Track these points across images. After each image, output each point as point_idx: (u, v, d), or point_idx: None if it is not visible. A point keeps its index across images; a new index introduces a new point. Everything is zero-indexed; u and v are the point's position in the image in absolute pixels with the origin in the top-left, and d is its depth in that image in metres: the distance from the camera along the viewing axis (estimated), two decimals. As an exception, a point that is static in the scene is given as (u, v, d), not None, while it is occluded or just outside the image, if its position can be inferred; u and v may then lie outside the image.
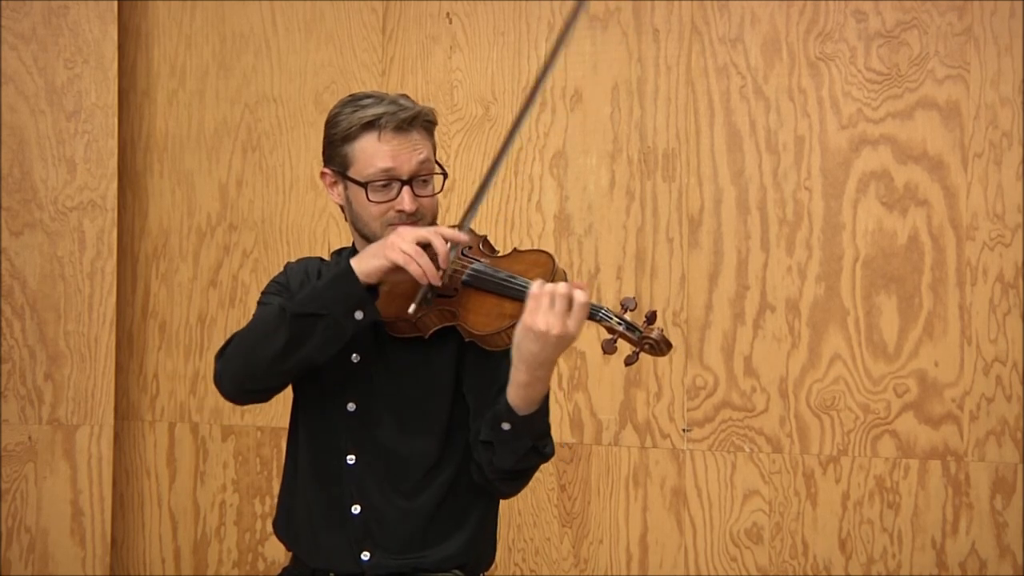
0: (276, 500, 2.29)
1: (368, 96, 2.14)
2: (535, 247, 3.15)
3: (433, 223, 2.17)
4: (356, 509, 2.12)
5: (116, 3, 3.40)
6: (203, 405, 3.45)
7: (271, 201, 3.45)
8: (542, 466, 2.15)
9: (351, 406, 2.13)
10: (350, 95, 2.18)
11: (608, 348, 1.99)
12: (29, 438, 3.33)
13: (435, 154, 2.16)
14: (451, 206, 3.21)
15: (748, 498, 3.10)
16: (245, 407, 3.36)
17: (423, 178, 2.12)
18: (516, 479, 2.10)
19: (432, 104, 2.99)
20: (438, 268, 1.99)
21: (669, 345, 1.98)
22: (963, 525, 2.97)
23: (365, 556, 2.11)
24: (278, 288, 2.24)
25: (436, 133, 2.19)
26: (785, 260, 3.09)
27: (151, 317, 3.50)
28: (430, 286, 2.00)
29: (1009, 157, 2.96)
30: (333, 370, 2.11)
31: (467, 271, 2.07)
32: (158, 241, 3.50)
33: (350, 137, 2.11)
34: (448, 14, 3.34)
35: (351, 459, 2.13)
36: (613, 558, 3.19)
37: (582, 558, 3.21)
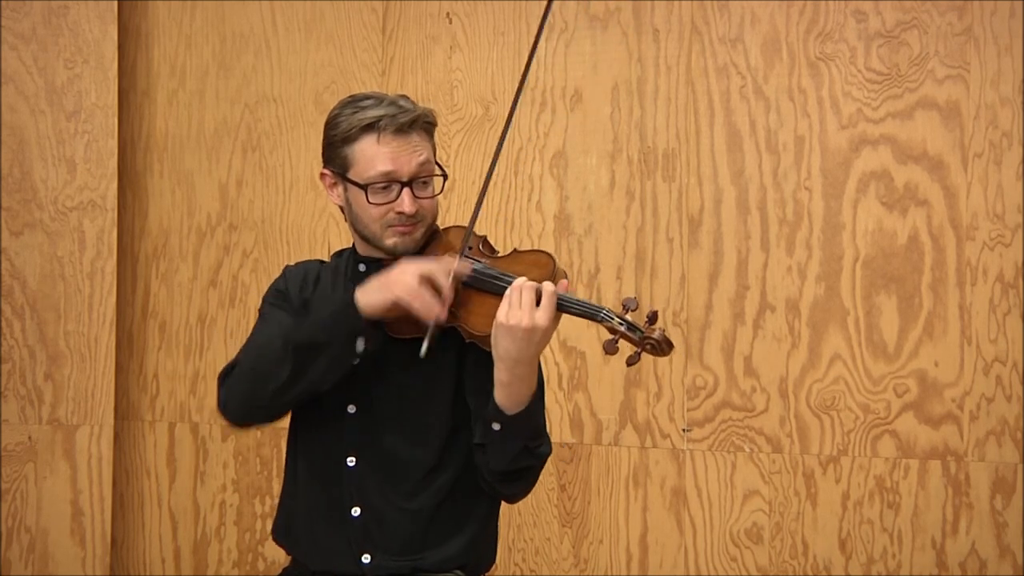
0: (276, 503, 2.28)
1: (368, 97, 2.14)
2: (535, 247, 3.16)
3: (433, 224, 2.18)
4: (356, 511, 2.12)
5: (116, 3, 3.39)
6: (203, 405, 3.45)
7: (271, 201, 3.45)
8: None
9: (351, 408, 2.13)
10: (350, 96, 2.17)
11: (610, 349, 1.99)
12: (29, 438, 3.33)
13: (435, 155, 2.16)
14: (451, 206, 3.21)
15: (748, 498, 3.11)
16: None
17: (423, 180, 2.12)
18: (513, 480, 2.10)
19: (432, 104, 3.00)
20: (443, 304, 1.98)
21: (671, 345, 1.98)
22: (963, 525, 2.97)
23: (365, 558, 2.11)
24: (277, 296, 2.23)
25: (436, 133, 2.19)
26: (785, 260, 3.09)
27: (151, 317, 3.50)
28: (436, 324, 1.99)
29: (1009, 157, 2.96)
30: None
31: (467, 272, 2.07)
32: (158, 241, 3.50)
33: (350, 139, 2.10)
34: (448, 14, 3.34)
35: (351, 461, 2.13)
36: (613, 558, 3.19)
37: (582, 558, 3.21)
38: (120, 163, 3.44)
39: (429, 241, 2.17)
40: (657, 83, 3.18)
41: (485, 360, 2.06)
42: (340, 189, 2.16)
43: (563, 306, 2.00)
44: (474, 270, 2.07)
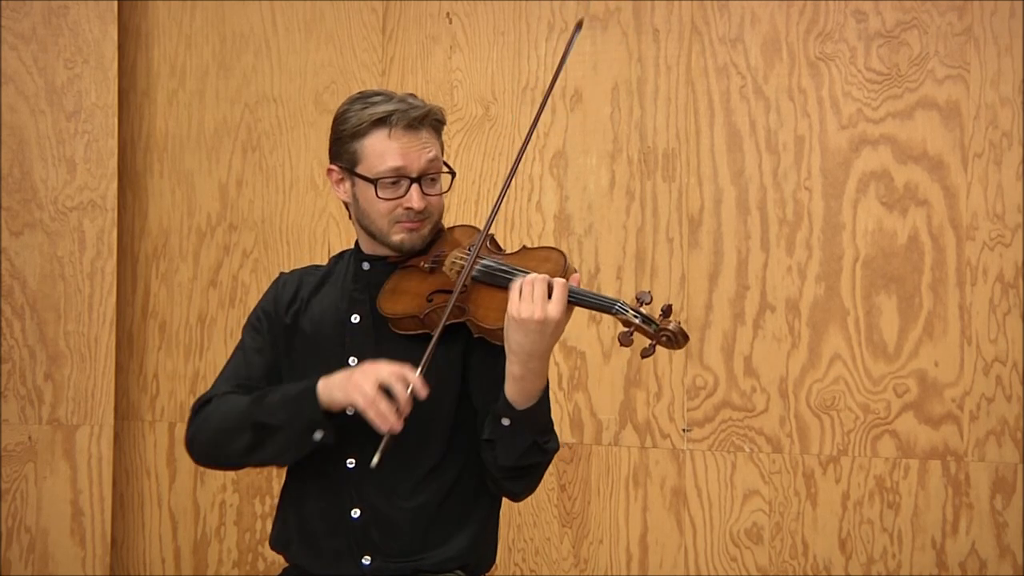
0: (276, 503, 2.28)
1: (377, 94, 2.15)
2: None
3: (439, 222, 2.18)
4: (356, 513, 2.12)
5: (116, 3, 3.39)
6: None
7: (271, 201, 3.45)
8: (542, 466, 2.16)
9: (350, 410, 2.13)
10: (359, 92, 2.18)
11: (625, 340, 1.98)
12: (29, 438, 3.33)
13: (442, 153, 2.17)
14: (450, 206, 3.21)
15: (748, 498, 3.10)
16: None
17: (431, 177, 2.13)
18: (521, 477, 2.09)
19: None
20: (399, 414, 1.95)
21: (686, 337, 1.98)
22: (963, 525, 2.97)
23: (366, 560, 2.10)
24: (260, 320, 2.25)
25: (437, 132, 2.20)
26: (785, 260, 3.09)
27: (151, 317, 3.50)
28: (390, 434, 1.95)
29: (1009, 157, 2.96)
30: (330, 374, 2.11)
31: (477, 268, 2.07)
32: (158, 241, 3.50)
33: (359, 133, 2.11)
34: (448, 14, 3.34)
35: (351, 463, 2.12)
36: (613, 558, 3.19)
37: (582, 558, 3.21)
38: (120, 163, 3.44)
39: (435, 239, 2.17)
40: (657, 83, 3.18)
41: (491, 358, 2.06)
42: (347, 185, 2.17)
43: (577, 299, 2.00)
44: (484, 265, 2.06)
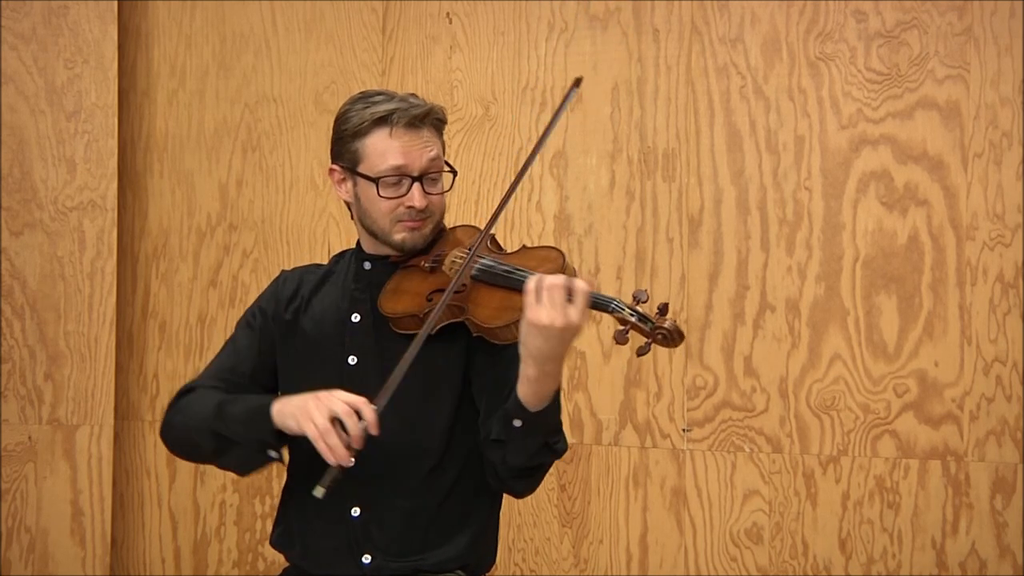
0: (277, 503, 2.28)
1: (379, 93, 2.15)
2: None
3: (441, 221, 2.18)
4: (356, 511, 2.12)
5: (116, 3, 3.39)
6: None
7: (271, 201, 3.45)
8: (543, 466, 2.16)
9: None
10: (360, 92, 2.18)
11: (620, 339, 1.98)
12: (29, 438, 3.33)
13: (444, 153, 2.17)
14: (450, 206, 3.19)
15: (748, 498, 3.10)
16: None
17: (433, 176, 2.13)
18: (529, 476, 2.09)
19: (432, 104, 3.00)
20: (349, 449, 1.93)
21: (682, 335, 1.96)
22: (963, 525, 2.97)
23: (366, 559, 2.10)
24: (255, 317, 2.25)
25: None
26: (785, 260, 3.09)
27: (151, 317, 3.50)
28: (339, 468, 1.93)
29: (1009, 157, 2.96)
30: (328, 373, 2.11)
31: (476, 267, 2.07)
32: (158, 241, 3.50)
33: (361, 133, 2.11)
34: (448, 14, 3.34)
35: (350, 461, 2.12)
36: (613, 558, 3.19)
37: (582, 558, 3.21)
38: (120, 163, 3.43)
39: (437, 239, 2.17)
40: (657, 83, 3.18)
41: (493, 358, 2.06)
42: (349, 184, 2.17)
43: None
44: (484, 264, 2.06)
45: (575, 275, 1.98)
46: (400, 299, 2.10)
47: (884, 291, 3.03)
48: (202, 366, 3.40)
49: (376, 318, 2.14)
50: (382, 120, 2.09)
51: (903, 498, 3.01)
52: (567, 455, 3.18)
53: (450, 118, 3.26)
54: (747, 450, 3.10)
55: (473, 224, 2.28)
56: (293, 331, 2.21)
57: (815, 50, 3.08)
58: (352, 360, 2.14)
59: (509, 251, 2.16)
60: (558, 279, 1.90)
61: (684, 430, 3.14)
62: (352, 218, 2.22)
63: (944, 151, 3.00)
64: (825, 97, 3.08)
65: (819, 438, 3.06)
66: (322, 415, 1.93)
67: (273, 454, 2.05)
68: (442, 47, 3.35)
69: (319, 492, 1.92)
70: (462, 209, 3.27)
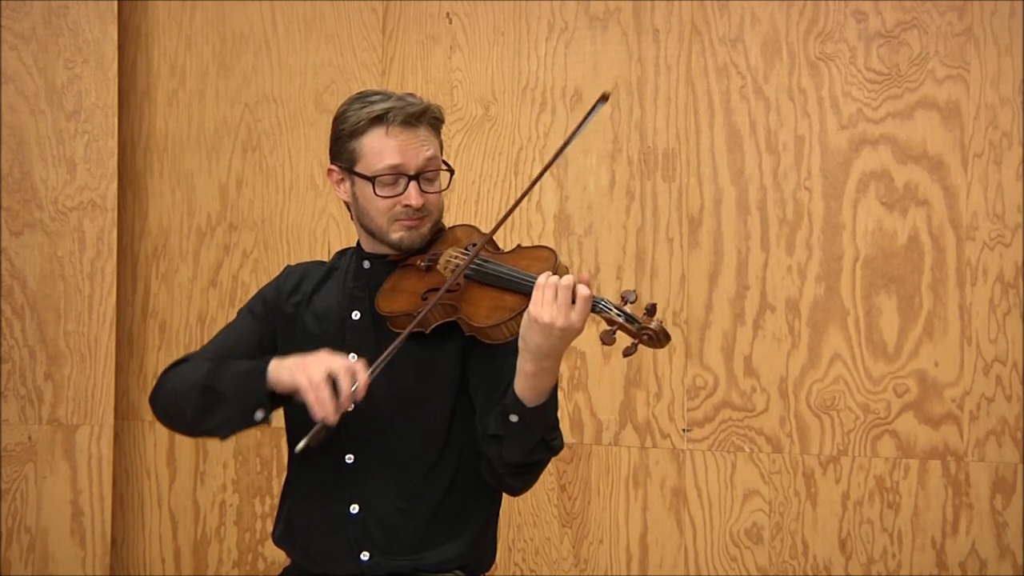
0: (277, 503, 2.29)
1: (376, 93, 2.16)
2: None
3: (439, 220, 2.18)
4: (355, 509, 2.12)
5: (116, 3, 3.40)
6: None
7: (271, 201, 3.45)
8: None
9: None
10: (358, 92, 2.19)
11: (607, 339, 1.99)
12: (29, 438, 3.33)
13: (442, 152, 2.17)
14: (450, 206, 3.21)
15: (748, 498, 3.10)
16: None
17: (429, 175, 2.13)
18: (526, 473, 2.09)
19: (432, 104, 3.00)
20: (336, 407, 1.95)
21: (668, 337, 1.98)
22: (963, 525, 2.97)
23: (364, 556, 2.11)
24: (258, 303, 2.27)
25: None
26: (785, 260, 3.09)
27: (151, 317, 3.50)
28: (323, 423, 1.95)
29: (1009, 157, 2.96)
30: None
31: (470, 266, 2.07)
32: (158, 241, 3.50)
33: (358, 132, 2.12)
34: (448, 14, 3.34)
35: (350, 458, 2.13)
36: (613, 558, 3.19)
37: (582, 558, 3.21)
38: (120, 163, 3.44)
39: (435, 238, 2.18)
40: (657, 83, 3.18)
41: (492, 356, 2.07)
42: (347, 184, 2.17)
43: None
44: (477, 264, 2.07)
45: (567, 273, 1.99)
46: (396, 298, 2.11)
47: (884, 291, 3.03)
48: (202, 366, 3.44)
49: (375, 317, 2.14)
50: (378, 119, 2.10)
51: (903, 498, 3.00)
52: (567, 455, 3.20)
53: (450, 118, 3.29)
54: (747, 450, 3.10)
55: (472, 224, 2.28)
56: (294, 324, 2.21)
57: (815, 50, 3.08)
58: (352, 358, 2.14)
59: (506, 250, 2.16)
60: (568, 280, 1.92)
61: (684, 430, 3.14)
62: (352, 218, 2.22)
63: (944, 151, 3.00)
64: (825, 97, 3.08)
65: (819, 438, 3.06)
66: (318, 371, 1.96)
67: (259, 415, 2.05)
68: (442, 47, 3.35)
69: (299, 447, 1.96)
70: (462, 209, 3.27)
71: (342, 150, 2.15)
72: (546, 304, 1.92)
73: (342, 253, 2.30)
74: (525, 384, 1.98)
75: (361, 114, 2.11)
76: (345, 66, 3.41)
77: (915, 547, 3.00)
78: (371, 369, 1.98)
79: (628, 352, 1.98)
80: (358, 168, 2.13)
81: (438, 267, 2.12)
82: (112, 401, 3.37)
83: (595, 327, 3.16)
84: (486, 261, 2.07)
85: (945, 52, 3.00)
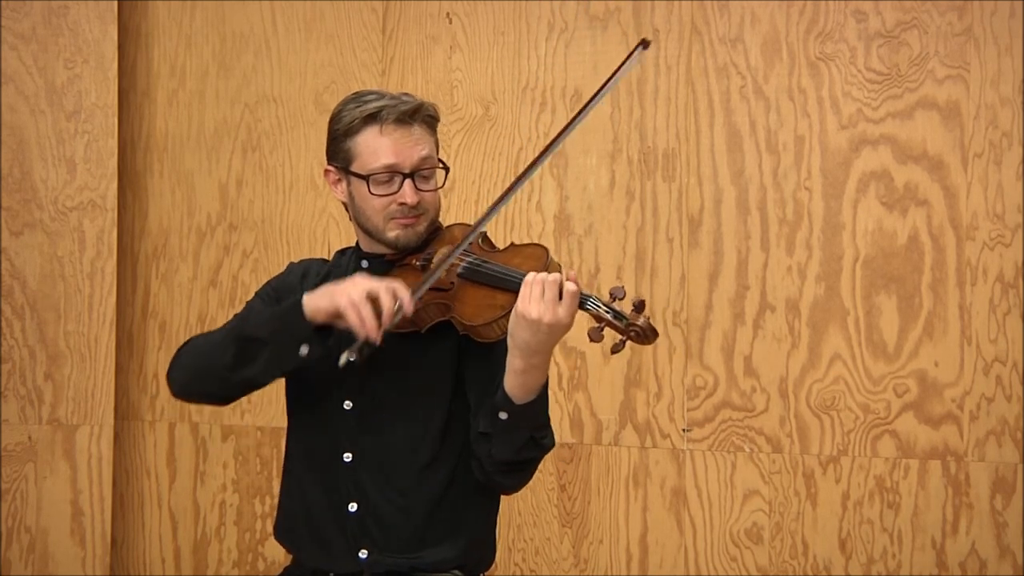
0: (277, 502, 2.29)
1: (371, 92, 2.16)
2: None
3: (436, 219, 2.18)
4: (353, 507, 2.12)
5: (116, 3, 3.40)
6: (203, 405, 3.45)
7: (271, 201, 3.45)
8: (542, 466, 2.15)
9: (347, 404, 2.14)
10: (353, 92, 2.19)
11: (595, 336, 1.99)
12: (29, 438, 3.33)
13: (438, 151, 2.17)
14: (450, 206, 3.21)
15: (748, 498, 3.10)
16: (245, 407, 3.38)
17: (424, 172, 2.13)
18: (516, 471, 2.09)
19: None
20: (380, 325, 1.95)
21: (655, 333, 1.97)
22: (963, 525, 2.97)
23: (363, 554, 2.11)
24: (266, 292, 2.27)
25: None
26: (785, 260, 3.09)
27: (151, 317, 3.50)
28: (367, 341, 1.95)
29: (1009, 157, 2.96)
30: (327, 368, 2.11)
31: (462, 265, 2.07)
32: (158, 241, 3.50)
33: (352, 131, 2.12)
34: (448, 14, 3.34)
35: (348, 457, 2.13)
36: (613, 558, 3.19)
37: (582, 558, 3.21)
38: (120, 163, 3.44)
39: (432, 236, 2.18)
40: (657, 83, 3.18)
41: (486, 354, 2.07)
42: (344, 184, 2.17)
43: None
44: (469, 262, 2.07)
45: (559, 271, 2.00)
46: None
47: (884, 291, 3.03)
48: (202, 366, 3.44)
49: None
50: (371, 118, 2.10)
51: (903, 498, 3.00)
52: (567, 455, 3.20)
53: (450, 118, 3.30)
54: (747, 450, 3.10)
55: (470, 223, 2.28)
56: None
57: (815, 50, 3.08)
58: (352, 356, 2.14)
59: (501, 249, 2.16)
60: (555, 277, 1.93)
61: (684, 430, 3.14)
62: (350, 218, 2.22)
63: (944, 151, 3.00)
64: (825, 97, 3.08)
65: (819, 438, 3.06)
66: (358, 291, 1.96)
67: (304, 350, 2.02)
68: (442, 47, 3.35)
69: (343, 359, 1.95)
70: (462, 209, 3.27)
71: (338, 150, 2.15)
72: (533, 300, 1.92)
73: (342, 252, 2.30)
74: (514, 381, 1.98)
75: (355, 113, 2.11)
76: (345, 66, 3.41)
77: (915, 547, 3.00)
78: (414, 289, 1.98)
79: (616, 349, 1.98)
80: (353, 167, 2.13)
81: (432, 266, 2.12)
82: (112, 401, 3.37)
83: (586, 324, 3.15)
84: (479, 259, 2.08)
85: (945, 52, 3.00)
